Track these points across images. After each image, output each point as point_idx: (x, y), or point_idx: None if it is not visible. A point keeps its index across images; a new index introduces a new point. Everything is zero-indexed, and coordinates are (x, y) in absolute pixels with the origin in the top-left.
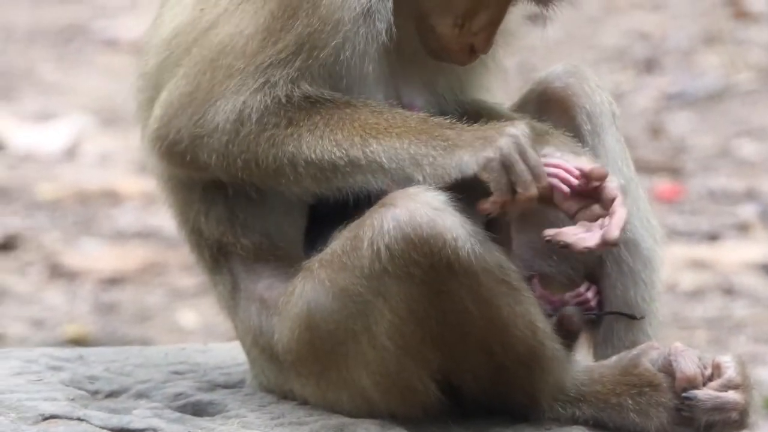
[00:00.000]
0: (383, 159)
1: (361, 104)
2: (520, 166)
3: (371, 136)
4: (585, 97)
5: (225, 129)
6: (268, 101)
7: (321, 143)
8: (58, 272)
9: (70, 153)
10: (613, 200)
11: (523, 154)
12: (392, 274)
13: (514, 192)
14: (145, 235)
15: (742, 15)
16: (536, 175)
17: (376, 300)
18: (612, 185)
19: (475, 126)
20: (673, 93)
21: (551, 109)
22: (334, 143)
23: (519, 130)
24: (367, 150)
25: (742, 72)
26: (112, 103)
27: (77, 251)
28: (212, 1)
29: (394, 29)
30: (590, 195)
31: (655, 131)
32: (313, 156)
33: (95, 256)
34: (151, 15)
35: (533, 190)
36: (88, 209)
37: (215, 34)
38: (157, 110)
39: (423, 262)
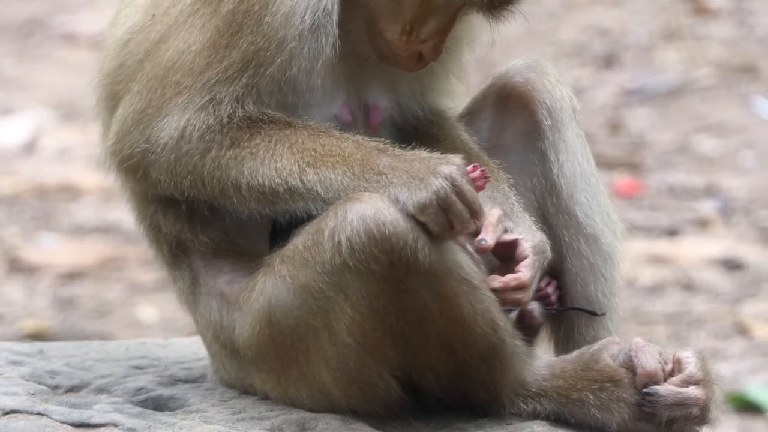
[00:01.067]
0: (320, 189)
1: (300, 126)
2: (458, 207)
3: (308, 165)
4: (545, 92)
5: (170, 146)
6: (211, 120)
7: (261, 169)
8: (16, 267)
9: (29, 147)
10: (522, 260)
11: (459, 193)
12: (353, 269)
13: (452, 227)
14: (104, 230)
15: (701, 11)
16: (473, 212)
17: (336, 296)
18: (524, 247)
19: (411, 155)
20: (632, 89)
21: (511, 104)
22: (274, 171)
23: (454, 167)
24: (305, 179)
25: (701, 68)
26: (71, 98)
27: (36, 246)
28: (164, 6)
29: (339, 44)
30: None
31: (615, 127)
32: (254, 182)
33: (54, 250)
34: (109, 10)
35: (471, 226)
36: (46, 204)
37: (165, 48)
38: (114, 126)
39: (383, 259)
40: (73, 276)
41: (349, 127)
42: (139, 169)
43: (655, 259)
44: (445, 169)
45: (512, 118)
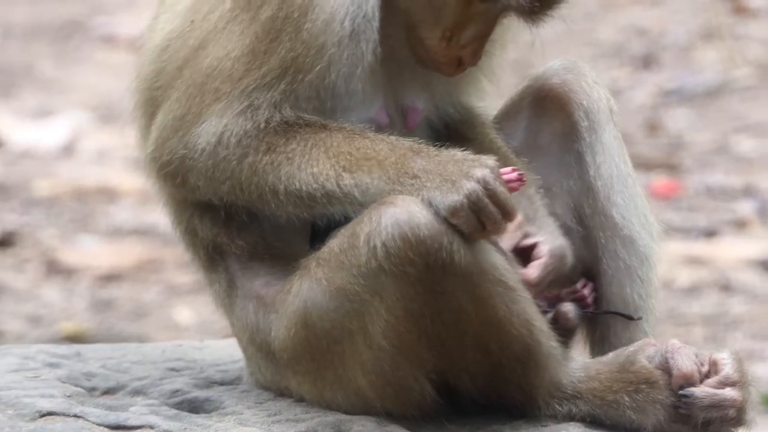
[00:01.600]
0: (356, 193)
1: (335, 129)
2: (490, 209)
3: (344, 169)
4: (582, 94)
5: (207, 152)
6: (249, 125)
7: (298, 174)
8: (55, 269)
9: (68, 150)
10: (536, 260)
11: (492, 196)
12: (388, 272)
13: (484, 227)
14: (142, 232)
15: (741, 10)
16: (506, 214)
17: (372, 299)
18: (540, 249)
19: (446, 156)
20: (670, 89)
21: (548, 105)
22: (310, 176)
23: (487, 170)
24: (342, 184)
25: (740, 68)
26: (109, 100)
27: (74, 248)
28: (203, 12)
29: (379, 49)
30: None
31: (653, 127)
32: (292, 187)
33: (92, 252)
34: (148, 12)
35: (503, 227)
36: (85, 206)
37: (204, 55)
38: (153, 133)
39: (419, 262)
40: (110, 278)
41: (386, 129)
42: (177, 175)
43: (692, 260)
44: (477, 172)
45: (549, 119)
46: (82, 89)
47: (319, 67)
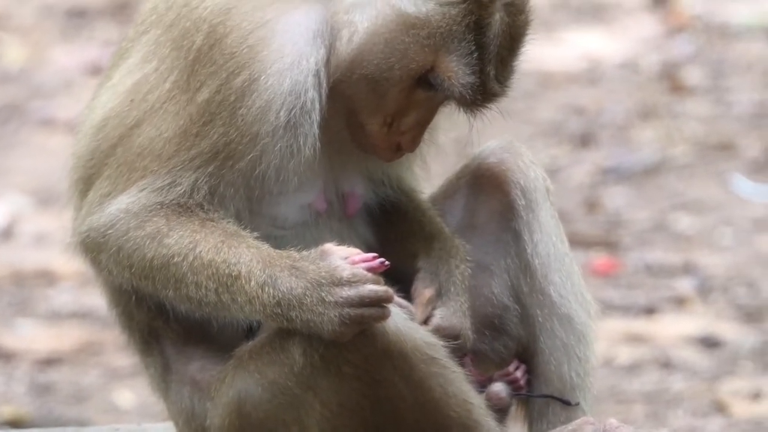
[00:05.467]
0: (234, 310)
1: (210, 232)
2: (366, 313)
3: (219, 284)
4: (519, 173)
5: (111, 223)
6: (159, 199)
7: (187, 277)
8: None
9: (6, 233)
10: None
11: (361, 302)
12: (321, 371)
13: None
14: (81, 315)
15: (678, 89)
16: (381, 300)
17: (305, 394)
18: (432, 321)
19: (306, 263)
20: (609, 167)
21: (486, 184)
22: (193, 284)
23: (346, 271)
24: (223, 299)
25: (678, 146)
26: (48, 183)
27: (13, 332)
28: (143, 92)
29: (318, 140)
30: None
31: (592, 205)
32: (183, 285)
33: (31, 336)
34: (86, 94)
35: (387, 312)
36: (23, 290)
37: (138, 134)
38: (83, 209)
39: (355, 358)
40: (50, 362)
41: (324, 215)
42: (93, 253)
43: (632, 338)
44: (337, 293)
45: (486, 198)
46: (21, 173)
47: (250, 155)
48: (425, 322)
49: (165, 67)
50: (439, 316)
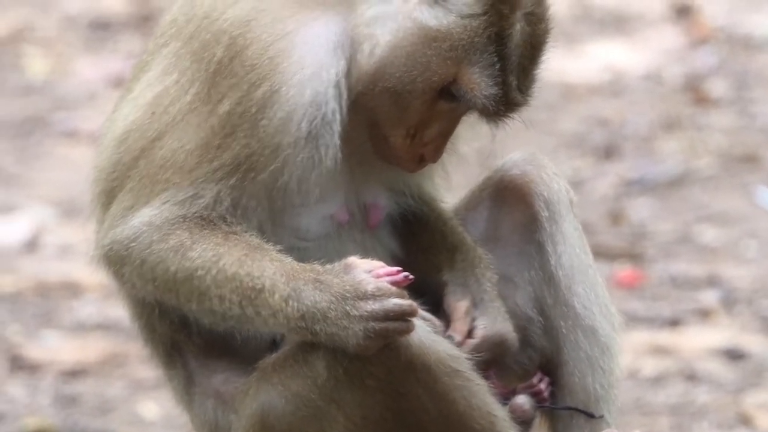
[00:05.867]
0: (258, 324)
1: (234, 245)
2: (390, 327)
3: (244, 297)
4: (542, 185)
5: (135, 236)
6: (182, 212)
7: (211, 290)
8: (18, 365)
9: (31, 245)
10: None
11: (386, 312)
12: (345, 383)
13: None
14: (106, 327)
15: (702, 100)
16: (407, 314)
17: (329, 406)
18: (477, 332)
19: (331, 277)
20: (632, 179)
21: (509, 196)
22: (216, 297)
23: (370, 285)
24: (247, 312)
25: (702, 157)
26: (71, 195)
27: (38, 344)
28: (164, 104)
29: (339, 152)
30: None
31: (616, 217)
32: (206, 298)
33: (56, 348)
34: (109, 106)
35: (411, 326)
36: (48, 301)
37: (160, 146)
38: (106, 222)
39: (379, 371)
40: (75, 373)
41: (346, 227)
42: (117, 267)
43: (657, 350)
44: (361, 307)
45: (509, 210)
46: (45, 185)
47: (272, 167)
48: (469, 335)
49: (186, 80)
50: (482, 326)
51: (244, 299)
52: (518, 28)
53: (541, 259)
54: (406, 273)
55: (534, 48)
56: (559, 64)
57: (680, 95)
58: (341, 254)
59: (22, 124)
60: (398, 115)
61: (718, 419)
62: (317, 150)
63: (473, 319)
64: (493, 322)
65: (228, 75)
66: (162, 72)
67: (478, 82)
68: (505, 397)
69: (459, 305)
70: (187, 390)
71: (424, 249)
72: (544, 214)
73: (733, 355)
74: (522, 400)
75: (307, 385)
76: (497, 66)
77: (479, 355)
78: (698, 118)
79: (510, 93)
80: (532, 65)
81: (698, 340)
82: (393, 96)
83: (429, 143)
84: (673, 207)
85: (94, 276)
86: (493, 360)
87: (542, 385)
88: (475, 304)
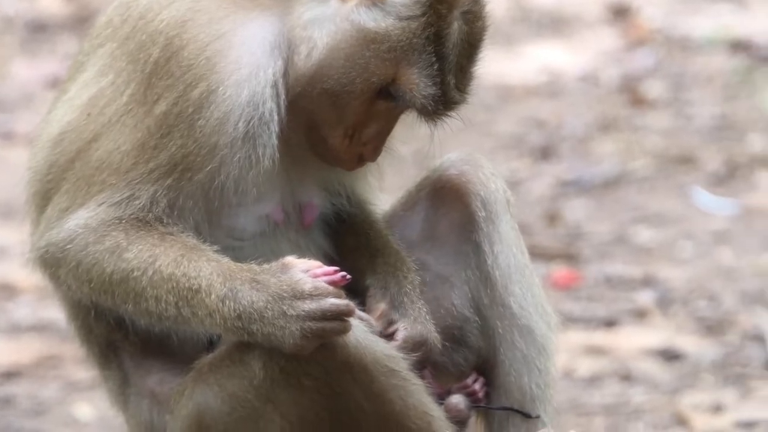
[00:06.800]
0: (194, 324)
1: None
2: (327, 327)
3: (179, 298)
4: (480, 185)
5: (70, 238)
6: (118, 213)
7: (147, 291)
8: None
9: None
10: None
11: (322, 317)
12: (281, 384)
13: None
14: (41, 328)
15: (638, 102)
16: (344, 314)
17: (265, 406)
18: (398, 335)
19: (266, 276)
20: (569, 180)
21: (446, 196)
22: (153, 299)
23: (308, 284)
24: (184, 312)
25: (638, 158)
26: (7, 197)
27: None
28: (100, 106)
29: (277, 152)
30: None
31: (552, 218)
32: (143, 299)
33: None
34: (46, 108)
35: (348, 326)
36: None
37: (96, 148)
38: (41, 224)
39: (316, 371)
40: (9, 375)
41: (281, 226)
42: (52, 269)
43: (593, 350)
44: (298, 307)
45: (447, 210)
46: None
47: (209, 167)
48: (391, 337)
49: (121, 81)
50: (403, 328)
51: (180, 300)
52: (456, 27)
53: (477, 259)
54: (343, 273)
55: (472, 46)
56: (496, 66)
57: (617, 96)
58: (276, 253)
59: None
60: (337, 115)
61: (654, 420)
62: (254, 150)
63: (391, 322)
64: (414, 324)
65: (164, 75)
66: (98, 73)
67: (417, 83)
68: (441, 397)
69: (376, 308)
70: (123, 391)
71: (351, 251)
72: (482, 214)
73: (669, 356)
74: (457, 399)
75: (243, 385)
76: (435, 66)
77: (403, 357)
78: (635, 120)
79: (449, 92)
80: (469, 64)
81: (634, 341)
82: (332, 97)
83: (368, 143)
84: (609, 208)
85: (29, 278)
86: (421, 361)
87: (477, 386)
88: (395, 307)
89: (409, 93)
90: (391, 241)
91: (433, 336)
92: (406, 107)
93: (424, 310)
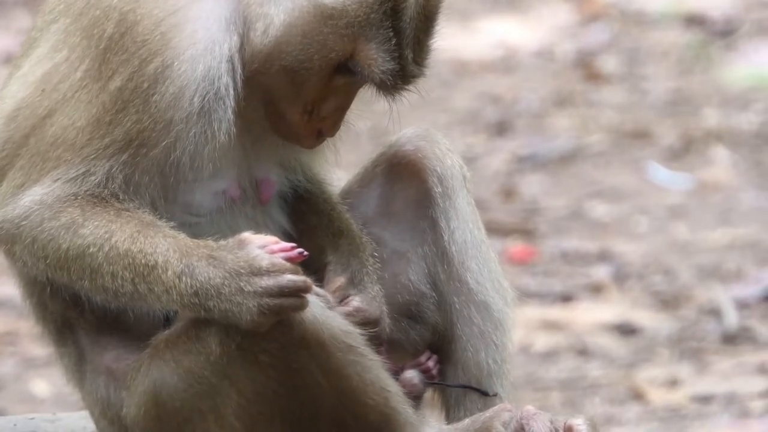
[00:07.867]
0: (150, 301)
1: (126, 221)
2: (285, 303)
3: (136, 274)
4: (436, 160)
5: (25, 214)
6: (74, 189)
7: (103, 267)
8: None
9: None
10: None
11: (280, 288)
12: (237, 360)
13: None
14: None
15: (593, 77)
16: (301, 290)
17: (221, 383)
18: (351, 303)
19: (224, 253)
20: (524, 155)
21: (402, 172)
22: (109, 275)
23: (265, 260)
24: (140, 289)
25: (593, 133)
26: None
27: None
28: (54, 82)
29: (233, 126)
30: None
31: (508, 193)
32: (99, 275)
33: None
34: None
35: (305, 302)
36: None
37: (50, 124)
38: None
39: (272, 347)
40: None
41: (238, 202)
42: (8, 245)
43: (549, 325)
44: (255, 283)
45: (403, 186)
46: None
47: (165, 142)
48: (342, 304)
49: (76, 56)
50: (357, 299)
51: (136, 276)
52: (412, 1)
53: (434, 234)
54: (300, 249)
55: (428, 19)
56: (452, 41)
57: (572, 72)
58: (233, 230)
59: None
60: (295, 91)
61: (610, 394)
62: (210, 125)
63: (348, 296)
64: (370, 301)
65: (119, 51)
66: (51, 49)
67: (375, 58)
68: (396, 374)
69: (335, 279)
70: (79, 367)
71: (310, 230)
72: (438, 189)
73: (625, 330)
74: (411, 374)
75: (200, 361)
76: (393, 40)
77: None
78: (590, 95)
79: (407, 66)
80: (427, 37)
81: (590, 316)
82: (290, 74)
83: (326, 118)
84: (564, 183)
85: None
86: (377, 337)
87: (430, 363)
88: (354, 284)
89: (367, 68)
90: (352, 224)
91: (384, 318)
92: (364, 82)
93: (381, 293)
